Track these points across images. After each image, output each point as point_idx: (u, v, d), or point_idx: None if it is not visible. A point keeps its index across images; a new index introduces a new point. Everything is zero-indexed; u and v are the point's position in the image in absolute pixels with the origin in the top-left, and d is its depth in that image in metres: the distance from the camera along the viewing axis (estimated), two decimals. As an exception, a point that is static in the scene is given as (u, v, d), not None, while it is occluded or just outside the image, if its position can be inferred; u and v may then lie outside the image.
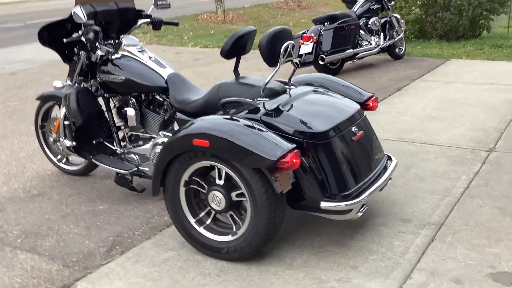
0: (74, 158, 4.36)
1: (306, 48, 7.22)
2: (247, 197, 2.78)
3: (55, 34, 3.68)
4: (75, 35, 3.66)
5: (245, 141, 2.68)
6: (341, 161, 2.89)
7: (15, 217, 3.60)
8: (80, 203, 3.77)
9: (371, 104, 3.47)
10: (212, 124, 2.82)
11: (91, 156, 3.80)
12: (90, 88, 3.80)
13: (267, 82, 3.10)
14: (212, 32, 13.38)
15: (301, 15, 16.72)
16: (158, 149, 3.48)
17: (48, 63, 9.74)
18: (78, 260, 3.03)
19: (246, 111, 3.04)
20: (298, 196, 2.90)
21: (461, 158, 4.27)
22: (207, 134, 2.75)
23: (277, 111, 2.98)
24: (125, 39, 3.70)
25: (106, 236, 3.29)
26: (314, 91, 3.35)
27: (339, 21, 7.34)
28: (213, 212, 3.00)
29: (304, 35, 7.34)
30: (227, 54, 3.25)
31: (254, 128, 2.78)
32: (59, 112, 4.11)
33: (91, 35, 3.49)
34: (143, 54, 3.69)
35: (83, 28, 3.57)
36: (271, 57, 3.10)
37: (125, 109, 3.66)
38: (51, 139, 4.18)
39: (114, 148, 3.80)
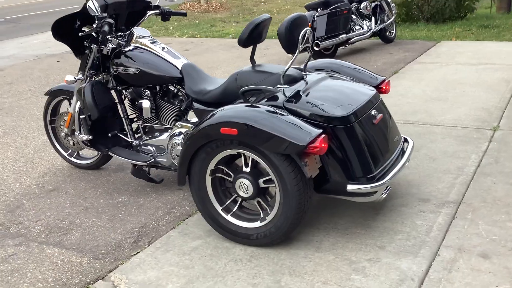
0: (84, 152, 4.36)
1: (301, 34, 7.23)
2: (276, 183, 2.82)
3: (67, 28, 3.66)
4: (85, 28, 3.64)
5: (274, 128, 2.72)
6: (364, 144, 2.94)
7: (34, 212, 3.60)
8: (98, 196, 3.77)
9: (384, 87, 3.52)
10: (239, 112, 2.84)
11: (106, 149, 3.80)
12: (103, 81, 3.79)
13: (287, 69, 3.13)
14: (197, 21, 13.33)
15: (284, 2, 16.73)
16: (176, 140, 3.50)
17: (34, 59, 9.64)
18: (107, 252, 3.05)
19: (267, 98, 3.07)
20: (324, 181, 2.94)
21: (468, 137, 4.35)
22: (236, 122, 2.78)
23: (299, 98, 3.01)
24: (137, 31, 3.70)
25: (130, 227, 3.31)
26: (330, 76, 3.39)
27: (332, 7, 7.37)
28: (240, 200, 3.04)
29: (298, 21, 7.33)
30: (245, 42, 3.26)
31: (281, 115, 2.82)
32: (70, 106, 4.10)
33: (106, 28, 3.48)
34: (156, 45, 3.69)
35: (96, 21, 3.55)
36: (290, 44, 3.13)
37: (140, 101, 3.66)
38: (62, 133, 4.16)
39: (129, 140, 3.80)
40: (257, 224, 2.97)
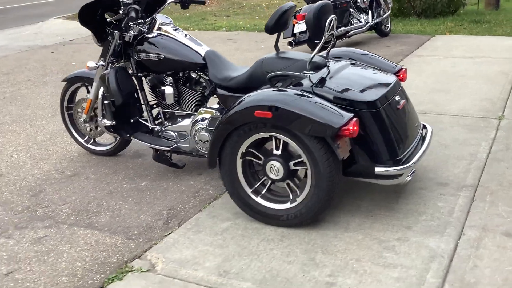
0: (100, 139, 4.40)
1: (301, 27, 7.33)
2: (309, 165, 2.91)
3: (91, 15, 3.69)
4: (107, 16, 3.69)
5: (309, 111, 2.80)
6: (390, 129, 3.04)
7: (58, 196, 3.64)
8: (120, 181, 3.82)
9: (401, 75, 3.62)
10: (273, 96, 2.92)
11: (128, 135, 3.85)
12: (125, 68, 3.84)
13: (313, 56, 3.22)
14: (187, 15, 13.34)
15: (274, -5, 16.77)
16: (199, 125, 3.57)
17: (27, 50, 9.59)
18: (140, 233, 3.11)
19: (294, 84, 3.16)
20: (351, 164, 3.04)
21: (475, 126, 4.49)
22: (270, 106, 2.85)
23: (326, 83, 3.10)
24: (160, 18, 3.75)
25: (158, 210, 3.37)
26: (352, 64, 3.48)
27: None
28: (269, 182, 3.12)
29: (298, 14, 7.43)
30: (272, 29, 3.34)
31: (313, 99, 2.90)
32: (88, 93, 4.14)
33: (133, 14, 3.53)
34: (178, 32, 3.75)
35: (122, 8, 3.60)
36: (317, 31, 3.21)
37: (163, 87, 3.71)
38: (81, 120, 4.19)
39: (151, 126, 3.86)
40: (287, 205, 3.06)
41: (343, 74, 3.26)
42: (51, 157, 4.37)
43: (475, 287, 2.47)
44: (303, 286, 2.55)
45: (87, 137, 4.34)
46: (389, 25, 8.77)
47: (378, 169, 2.97)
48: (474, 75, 6.06)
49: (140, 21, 3.81)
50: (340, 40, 8.13)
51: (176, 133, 3.75)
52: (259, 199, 3.12)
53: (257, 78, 3.37)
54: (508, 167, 3.67)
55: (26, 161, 4.31)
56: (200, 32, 10.76)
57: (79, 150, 4.45)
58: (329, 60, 3.48)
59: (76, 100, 4.28)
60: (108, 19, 3.68)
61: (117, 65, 3.84)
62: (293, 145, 2.93)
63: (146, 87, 3.92)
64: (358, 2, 8.04)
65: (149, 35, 3.69)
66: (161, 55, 3.62)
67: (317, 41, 3.26)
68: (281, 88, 3.03)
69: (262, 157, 3.08)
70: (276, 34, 3.47)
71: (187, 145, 3.69)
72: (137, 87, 3.88)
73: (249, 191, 3.14)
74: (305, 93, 2.96)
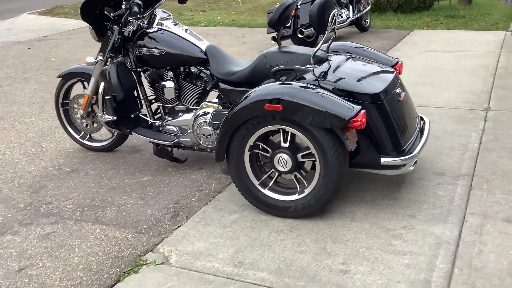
0: (96, 135, 4.38)
1: (284, 22, 7.37)
2: (317, 157, 2.97)
3: (92, 9, 3.68)
4: (106, 12, 3.69)
5: (318, 104, 2.87)
6: (394, 120, 3.13)
7: (60, 192, 3.62)
8: (121, 177, 3.83)
9: (398, 68, 3.72)
10: (283, 89, 2.97)
11: (128, 130, 3.85)
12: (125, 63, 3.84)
13: (317, 50, 3.28)
14: (162, 10, 13.23)
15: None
16: (202, 119, 3.60)
17: (2, 46, 9.41)
18: (149, 227, 3.13)
19: (298, 77, 3.21)
20: (356, 155, 3.12)
21: (463, 117, 4.64)
22: (281, 99, 2.91)
23: (331, 76, 3.17)
24: (160, 13, 3.76)
25: (165, 204, 3.39)
26: (352, 57, 3.55)
27: (315, -5, 7.54)
28: (277, 174, 3.18)
29: (281, 9, 7.48)
30: (275, 24, 3.40)
31: (321, 92, 2.97)
32: (84, 89, 4.12)
33: (135, 9, 3.53)
34: (178, 27, 3.77)
35: (124, 2, 3.59)
36: (321, 25, 3.27)
37: (163, 82, 3.73)
38: (77, 115, 4.17)
39: (151, 121, 3.87)
40: (295, 196, 3.12)
41: (345, 67, 3.33)
42: (46, 154, 4.34)
43: (483, 271, 2.58)
44: (318, 274, 2.62)
45: (83, 133, 4.32)
46: (369, 20, 8.92)
47: (383, 160, 3.05)
48: (455, 69, 6.22)
49: (138, 16, 3.81)
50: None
51: (177, 128, 3.77)
52: (267, 191, 3.17)
53: (260, 72, 3.41)
54: (500, 156, 3.81)
55: (20, 158, 4.27)
56: (178, 28, 10.69)
57: (74, 146, 4.43)
58: (329, 54, 3.54)
59: (72, 96, 4.24)
60: (111, 14, 3.67)
61: (116, 60, 3.83)
62: (302, 137, 2.99)
63: (145, 82, 3.92)
64: (339, -3, 8.15)
65: (150, 30, 3.70)
66: (163, 50, 3.64)
67: (320, 35, 3.32)
68: (289, 82, 3.09)
69: (270, 150, 3.13)
70: (273, 35, 3.51)
71: (189, 140, 3.71)
72: (137, 82, 3.88)
73: (256, 183, 3.19)
74: (313, 86, 3.02)
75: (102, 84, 3.76)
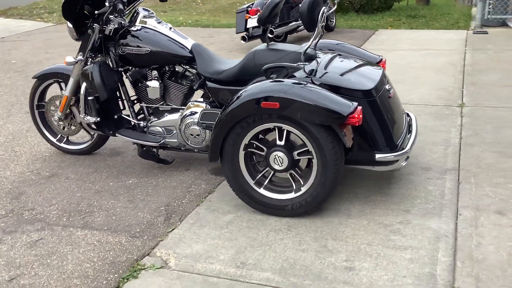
0: (74, 137, 4.24)
1: (253, 21, 7.37)
2: (314, 154, 2.95)
3: (73, 7, 3.55)
4: (86, 10, 3.58)
5: (316, 100, 2.85)
6: (386, 116, 3.14)
7: (42, 198, 3.48)
8: (105, 180, 3.71)
9: (382, 66, 3.75)
10: (279, 86, 2.93)
11: (111, 132, 3.74)
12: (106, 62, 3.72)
13: (308, 47, 3.26)
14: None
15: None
16: (190, 119, 3.53)
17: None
18: (143, 230, 3.04)
19: (289, 75, 3.19)
20: (350, 152, 3.11)
21: (440, 114, 4.72)
22: (278, 96, 2.87)
23: (323, 73, 3.16)
24: (142, 11, 3.67)
25: (155, 206, 3.30)
26: (339, 55, 3.56)
27: (283, -5, 7.55)
28: (272, 173, 3.14)
29: (250, 9, 7.48)
30: (265, 21, 3.36)
31: (317, 89, 2.95)
32: (62, 90, 3.98)
33: (120, 6, 3.43)
34: (162, 25, 3.68)
35: (108, 0, 3.48)
36: (311, 23, 3.26)
37: (148, 82, 3.64)
38: (55, 118, 4.01)
39: (135, 121, 3.76)
40: (291, 195, 3.09)
41: (334, 64, 3.33)
42: (21, 158, 4.16)
43: (484, 263, 2.61)
44: (323, 272, 2.59)
45: (59, 135, 4.16)
46: (334, 21, 9.00)
47: (378, 156, 3.06)
48: (423, 67, 6.35)
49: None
50: (290, 35, 8.25)
51: (163, 128, 3.68)
52: (262, 191, 3.13)
53: (249, 70, 3.38)
54: (482, 151, 3.89)
55: (-6, 164, 4.08)
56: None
57: (50, 150, 4.27)
58: (317, 51, 3.53)
59: (50, 98, 4.08)
60: (96, 12, 3.54)
61: (96, 60, 3.71)
62: (298, 134, 2.96)
63: (126, 82, 3.81)
64: (306, -2, 8.17)
65: (134, 28, 3.60)
66: (147, 49, 3.55)
67: (310, 32, 3.31)
68: (284, 79, 3.05)
69: (265, 149, 3.09)
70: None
71: (175, 140, 3.63)
72: (119, 82, 3.77)
73: (252, 183, 3.14)
74: (309, 84, 3.00)
75: (84, 85, 3.63)
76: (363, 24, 9.48)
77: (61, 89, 4.03)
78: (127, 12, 3.72)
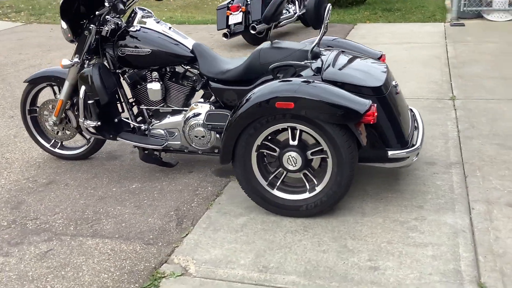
0: (68, 142, 4.11)
1: (235, 18, 7.30)
2: (330, 153, 2.92)
3: (71, 8, 3.42)
4: (82, 9, 3.46)
5: (331, 99, 2.82)
6: (396, 113, 3.14)
7: (44, 207, 3.36)
8: (107, 185, 3.60)
9: (382, 61, 3.74)
10: (293, 86, 2.89)
11: (112, 136, 3.63)
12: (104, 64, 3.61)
13: (315, 45, 3.23)
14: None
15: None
16: (194, 121, 3.46)
17: None
18: (156, 237, 2.96)
19: (296, 74, 3.15)
20: (363, 149, 3.09)
21: (434, 107, 4.75)
22: (292, 96, 2.83)
23: (332, 71, 3.13)
24: (140, 11, 3.57)
25: (165, 211, 3.22)
26: (343, 52, 3.53)
27: (265, -10, 7.50)
28: (284, 173, 3.10)
29: (231, 5, 7.39)
30: (269, 19, 3.30)
31: (330, 87, 2.92)
32: (56, 94, 3.86)
33: (121, 6, 3.32)
34: (161, 25, 3.59)
35: (106, 2, 3.36)
36: (318, 19, 3.23)
37: (148, 83, 3.54)
38: (49, 122, 3.87)
39: (136, 124, 3.67)
40: (305, 195, 3.05)
41: (340, 62, 3.30)
42: (13, 165, 4.01)
43: (506, 256, 2.63)
44: (348, 273, 2.57)
45: (53, 141, 4.03)
46: (312, 15, 8.97)
47: (390, 153, 3.05)
48: (409, 60, 6.39)
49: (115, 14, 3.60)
50: (270, 31, 8.19)
51: (165, 131, 3.59)
52: (275, 192, 3.09)
53: (255, 69, 3.33)
54: (482, 143, 3.93)
55: (-15, 172, 3.92)
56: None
57: (43, 156, 4.13)
58: (321, 49, 3.50)
59: (41, 102, 3.94)
60: (96, 12, 3.43)
61: (93, 62, 3.60)
62: (313, 134, 2.92)
63: (124, 84, 3.71)
64: (285, -7, 8.13)
65: (133, 29, 3.50)
66: (148, 49, 3.45)
67: (316, 29, 3.28)
68: (296, 78, 3.01)
69: (277, 149, 3.05)
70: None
71: (178, 142, 3.56)
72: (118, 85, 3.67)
73: (264, 184, 3.09)
74: (321, 82, 2.96)
75: (83, 88, 3.50)
76: (340, 18, 9.49)
77: (55, 93, 3.89)
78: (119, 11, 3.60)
